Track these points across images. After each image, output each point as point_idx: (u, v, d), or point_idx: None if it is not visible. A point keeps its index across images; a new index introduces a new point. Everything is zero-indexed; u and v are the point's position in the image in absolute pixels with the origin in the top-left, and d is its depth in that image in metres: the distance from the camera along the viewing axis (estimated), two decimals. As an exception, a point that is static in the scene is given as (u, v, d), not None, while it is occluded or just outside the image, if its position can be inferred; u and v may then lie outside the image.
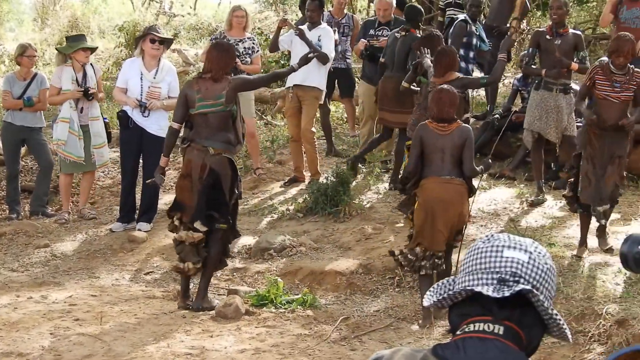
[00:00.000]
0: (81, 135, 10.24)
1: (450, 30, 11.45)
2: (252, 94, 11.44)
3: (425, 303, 2.30)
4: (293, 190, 11.07)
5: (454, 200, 7.52)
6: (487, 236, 2.30)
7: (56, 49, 10.79)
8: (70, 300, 8.01)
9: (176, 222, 7.81)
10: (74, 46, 10.24)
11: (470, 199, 7.83)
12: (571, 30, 9.91)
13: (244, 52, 11.01)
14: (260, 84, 8.30)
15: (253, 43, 11.09)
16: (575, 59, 9.60)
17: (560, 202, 9.73)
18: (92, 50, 10.79)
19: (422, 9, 11.53)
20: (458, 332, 2.23)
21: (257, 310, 7.83)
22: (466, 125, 7.78)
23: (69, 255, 9.55)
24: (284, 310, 7.87)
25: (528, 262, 2.20)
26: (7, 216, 10.87)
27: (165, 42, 10.08)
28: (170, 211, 7.93)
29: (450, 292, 2.25)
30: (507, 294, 2.14)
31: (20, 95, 10.74)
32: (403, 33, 10.73)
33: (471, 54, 11.41)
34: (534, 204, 9.79)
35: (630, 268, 2.60)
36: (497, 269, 2.20)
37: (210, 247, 7.81)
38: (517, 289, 2.14)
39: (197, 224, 7.66)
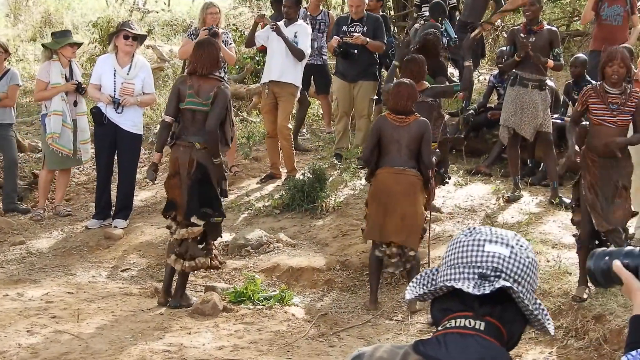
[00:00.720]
0: (73, 128, 10.19)
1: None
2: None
3: (408, 296, 2.31)
4: (269, 187, 11.05)
5: (407, 190, 7.68)
6: (469, 229, 2.29)
7: (42, 44, 10.70)
8: (47, 298, 7.96)
9: (172, 223, 7.80)
10: (61, 42, 10.17)
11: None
12: (546, 27, 9.92)
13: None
14: (221, 113, 7.96)
15: (227, 37, 11.07)
16: (550, 56, 9.63)
17: (536, 198, 9.79)
18: (78, 45, 10.74)
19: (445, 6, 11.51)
20: (440, 328, 2.23)
21: (235, 307, 7.82)
22: (424, 119, 7.87)
23: (44, 252, 9.49)
24: (261, 306, 7.86)
25: (509, 257, 2.20)
26: None
27: (139, 38, 10.06)
28: (165, 211, 7.90)
29: (432, 288, 2.26)
30: (487, 291, 2.14)
31: None
32: (422, 22, 10.85)
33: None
34: (510, 200, 9.84)
35: (598, 283, 2.58)
36: (479, 264, 2.20)
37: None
38: (497, 285, 2.14)
39: (194, 219, 7.66)
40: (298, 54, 10.72)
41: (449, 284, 2.20)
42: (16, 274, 8.80)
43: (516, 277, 2.20)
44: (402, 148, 7.73)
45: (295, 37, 10.82)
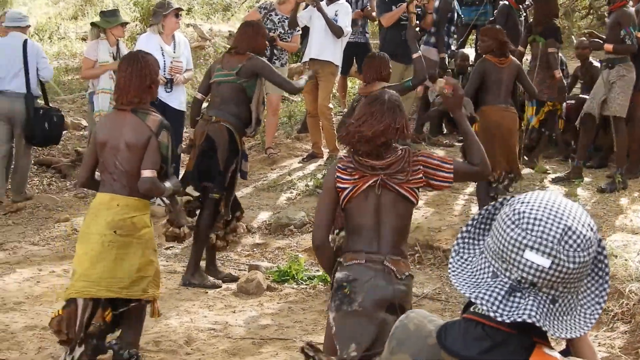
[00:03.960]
0: None
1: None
2: (286, 72, 11.38)
3: (453, 281, 2.24)
4: (312, 166, 11.05)
5: (510, 126, 8.53)
6: (518, 212, 2.12)
7: (91, 23, 10.71)
8: (92, 275, 8.00)
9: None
10: (112, 21, 10.18)
11: None
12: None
13: (288, 31, 11.13)
14: (275, 80, 7.95)
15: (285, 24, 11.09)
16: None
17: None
18: (126, 24, 10.80)
19: None
20: (470, 310, 2.22)
21: (279, 286, 7.85)
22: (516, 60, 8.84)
23: (89, 229, 9.54)
24: (305, 286, 7.88)
25: (550, 268, 2.06)
26: None
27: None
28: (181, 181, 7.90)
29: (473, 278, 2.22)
30: (507, 320, 2.06)
31: None
32: None
33: (452, 29, 11.89)
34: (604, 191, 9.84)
35: None
36: (515, 269, 2.09)
37: (199, 217, 7.78)
38: (518, 319, 2.05)
39: (189, 189, 7.61)
40: (337, 31, 10.73)
41: (475, 300, 2.12)
42: (61, 251, 8.87)
43: (554, 291, 2.09)
44: (502, 87, 8.45)
45: (336, 15, 10.82)
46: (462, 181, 8.46)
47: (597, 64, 11.11)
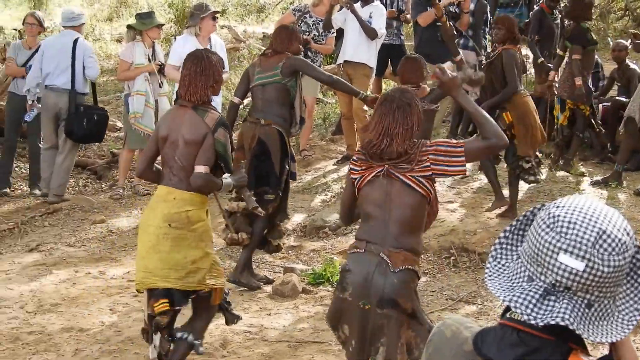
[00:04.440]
0: (155, 108, 10.31)
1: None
2: None
3: (489, 285, 2.23)
4: (346, 168, 10.94)
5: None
6: (553, 216, 2.11)
7: (127, 26, 10.82)
8: (128, 277, 8.04)
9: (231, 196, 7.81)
10: (147, 23, 10.27)
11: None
12: None
13: (322, 33, 11.12)
14: (317, 75, 8.03)
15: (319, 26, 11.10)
16: None
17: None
18: (162, 26, 10.89)
19: None
20: (506, 316, 2.20)
21: (314, 289, 7.84)
22: None
23: (124, 231, 9.60)
24: (340, 289, 7.85)
25: (584, 271, 2.04)
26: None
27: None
28: None
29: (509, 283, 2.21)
30: (540, 323, 2.05)
31: (24, 63, 10.84)
32: None
33: (487, 30, 11.83)
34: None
35: None
36: (549, 273, 2.08)
37: (254, 222, 7.78)
38: (551, 321, 2.04)
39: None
40: (370, 33, 10.71)
41: (509, 303, 2.11)
42: (97, 252, 8.92)
43: (589, 295, 2.07)
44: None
45: (370, 17, 10.81)
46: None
47: (634, 66, 11.04)
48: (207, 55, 5.71)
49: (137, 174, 6.26)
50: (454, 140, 4.82)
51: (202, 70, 5.58)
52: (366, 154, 4.70)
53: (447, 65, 5.32)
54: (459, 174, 4.79)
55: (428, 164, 4.57)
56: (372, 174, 4.66)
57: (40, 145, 10.72)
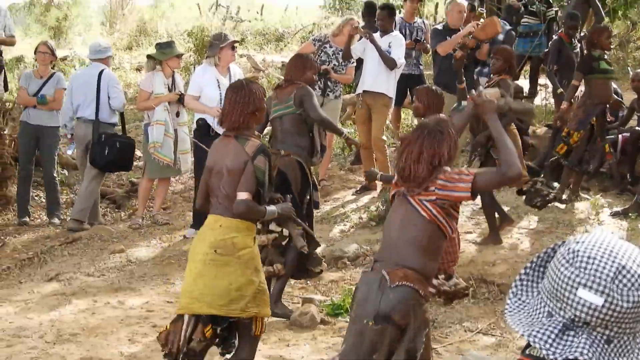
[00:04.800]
0: (174, 138, 10.37)
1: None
2: (340, 104, 11.46)
3: (509, 320, 2.25)
4: (365, 199, 11.04)
5: None
6: (572, 251, 2.13)
7: (148, 55, 10.92)
8: (147, 307, 8.06)
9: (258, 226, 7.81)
10: (167, 53, 10.36)
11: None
12: None
13: (342, 63, 11.12)
14: (309, 110, 7.83)
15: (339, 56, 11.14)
16: None
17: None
18: (181, 56, 10.99)
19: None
20: (526, 352, 2.20)
21: (332, 320, 7.81)
22: None
23: (144, 260, 9.61)
24: (359, 320, 7.82)
25: (602, 306, 2.05)
26: (19, 221, 11.08)
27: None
28: None
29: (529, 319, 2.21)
30: (559, 358, 2.06)
31: (35, 93, 10.94)
32: None
33: None
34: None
35: None
36: (569, 308, 2.09)
37: (287, 252, 7.78)
38: (570, 357, 2.05)
39: (272, 225, 7.66)
40: (390, 63, 10.74)
41: (529, 338, 2.12)
42: (116, 282, 8.92)
43: (609, 324, 2.07)
44: None
45: (389, 47, 10.84)
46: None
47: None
48: (247, 84, 5.82)
49: (197, 207, 6.35)
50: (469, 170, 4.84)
51: (241, 99, 5.68)
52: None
53: (493, 92, 5.33)
54: (462, 199, 4.75)
55: (433, 188, 4.58)
56: (391, 194, 4.79)
57: (55, 175, 10.90)
